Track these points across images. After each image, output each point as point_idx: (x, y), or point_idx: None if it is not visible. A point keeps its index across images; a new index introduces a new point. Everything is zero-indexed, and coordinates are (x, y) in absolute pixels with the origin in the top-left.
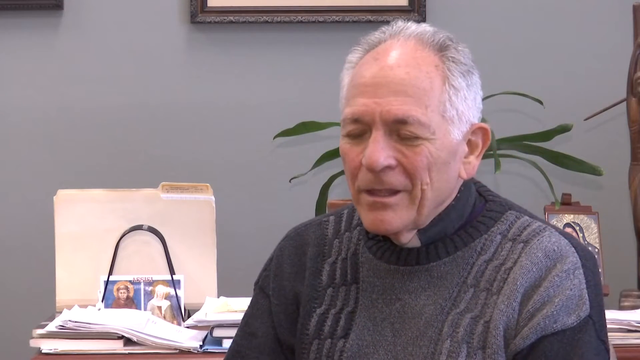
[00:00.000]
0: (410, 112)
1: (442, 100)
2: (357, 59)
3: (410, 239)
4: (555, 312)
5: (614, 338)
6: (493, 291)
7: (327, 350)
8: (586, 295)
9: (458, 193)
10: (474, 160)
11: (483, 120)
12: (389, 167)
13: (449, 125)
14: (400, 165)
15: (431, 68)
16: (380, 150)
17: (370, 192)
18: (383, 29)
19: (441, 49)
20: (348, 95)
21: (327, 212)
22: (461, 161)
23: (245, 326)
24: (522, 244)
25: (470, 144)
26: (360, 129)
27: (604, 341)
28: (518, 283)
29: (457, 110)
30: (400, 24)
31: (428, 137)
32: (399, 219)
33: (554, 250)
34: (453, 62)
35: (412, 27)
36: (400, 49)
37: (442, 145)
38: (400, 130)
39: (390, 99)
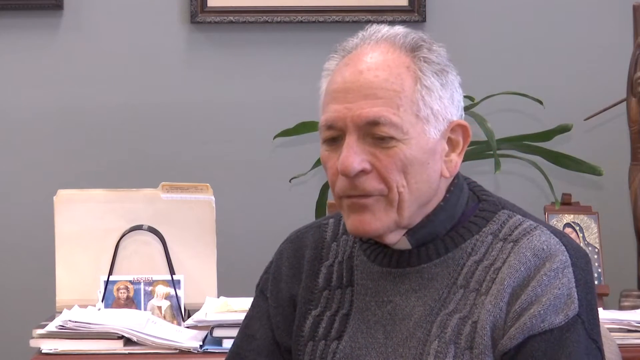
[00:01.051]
0: (381, 112)
1: (415, 100)
2: (333, 66)
3: (397, 241)
4: (542, 312)
5: (614, 338)
6: (482, 291)
7: (321, 351)
8: (575, 294)
9: (447, 193)
10: (456, 158)
11: (481, 119)
12: (363, 172)
13: (425, 125)
14: (374, 169)
15: (402, 69)
16: (353, 155)
17: (348, 197)
18: (357, 34)
19: (413, 49)
20: (323, 103)
21: (327, 212)
22: (442, 160)
23: (246, 328)
24: (511, 244)
25: (450, 142)
26: (335, 135)
27: (595, 340)
28: (506, 283)
29: (432, 109)
30: (373, 27)
31: (401, 138)
32: (379, 222)
33: (543, 249)
34: (425, 62)
35: (384, 29)
36: (370, 53)
37: (418, 145)
38: (373, 133)
39: (361, 103)
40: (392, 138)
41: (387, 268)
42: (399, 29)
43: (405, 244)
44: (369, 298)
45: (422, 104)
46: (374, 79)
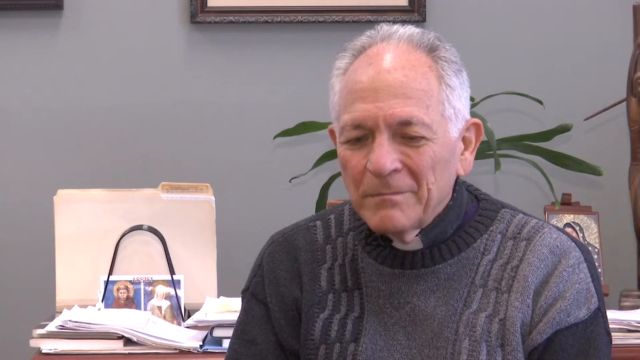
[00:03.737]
0: (413, 112)
1: (441, 99)
2: (346, 64)
3: (412, 239)
4: (568, 306)
5: (614, 338)
6: (502, 289)
7: (337, 354)
8: (593, 288)
9: (454, 193)
10: (469, 156)
11: (481, 119)
12: (395, 171)
13: (448, 124)
14: (405, 167)
15: (425, 69)
16: (385, 155)
17: (378, 194)
18: (368, 33)
19: (431, 49)
20: (345, 102)
21: None
22: (458, 158)
23: (242, 334)
24: (525, 242)
25: (464, 140)
26: (361, 135)
27: (608, 333)
28: (529, 280)
29: (455, 108)
30: (386, 27)
31: (431, 137)
32: (406, 218)
33: (557, 246)
34: (445, 61)
35: (400, 29)
36: (393, 52)
37: (444, 144)
38: (404, 132)
39: (392, 102)
40: (422, 137)
41: (400, 270)
42: (411, 29)
43: (415, 245)
44: (382, 300)
45: (447, 103)
46: (404, 78)
